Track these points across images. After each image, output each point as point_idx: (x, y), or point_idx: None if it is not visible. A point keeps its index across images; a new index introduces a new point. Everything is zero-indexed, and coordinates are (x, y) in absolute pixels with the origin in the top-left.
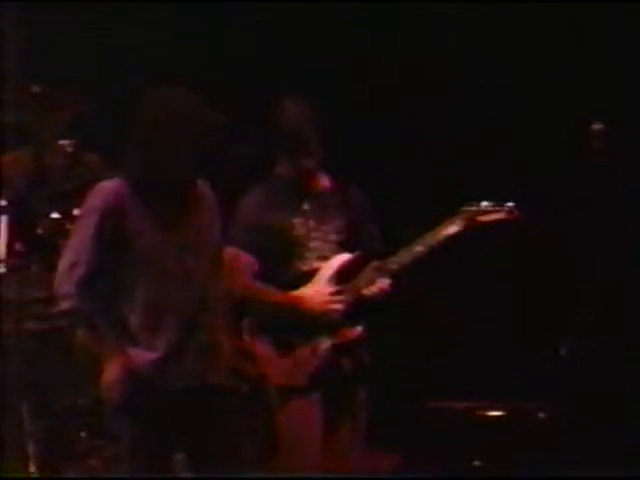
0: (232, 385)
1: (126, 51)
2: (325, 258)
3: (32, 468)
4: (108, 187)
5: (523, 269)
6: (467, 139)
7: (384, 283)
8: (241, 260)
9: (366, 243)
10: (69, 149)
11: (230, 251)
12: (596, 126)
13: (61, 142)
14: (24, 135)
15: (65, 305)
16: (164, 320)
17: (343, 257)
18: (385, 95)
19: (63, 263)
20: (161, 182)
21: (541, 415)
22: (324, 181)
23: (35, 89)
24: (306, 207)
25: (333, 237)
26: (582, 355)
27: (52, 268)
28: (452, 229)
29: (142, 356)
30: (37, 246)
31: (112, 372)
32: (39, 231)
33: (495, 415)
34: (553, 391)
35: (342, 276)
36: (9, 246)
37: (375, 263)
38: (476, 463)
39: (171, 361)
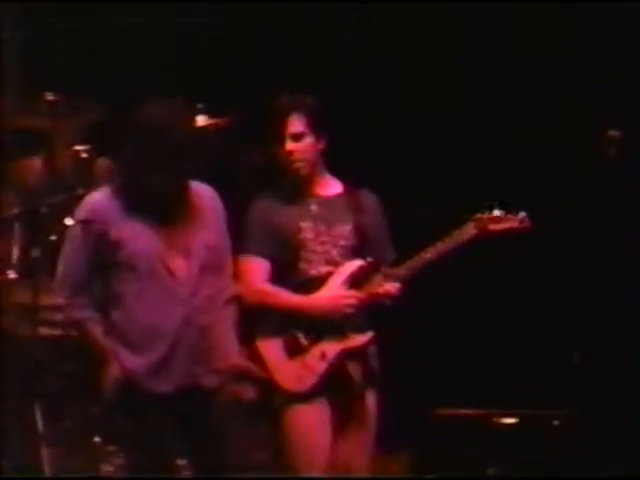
0: (232, 388)
1: (138, 57)
2: (334, 262)
3: (46, 473)
4: (93, 199)
5: (537, 275)
6: (480, 146)
7: (394, 287)
8: (254, 263)
9: (377, 248)
10: (83, 155)
11: (243, 254)
12: (612, 132)
13: (75, 148)
14: (38, 141)
15: (59, 316)
16: (153, 324)
17: (355, 263)
18: (397, 99)
19: (57, 275)
20: (149, 190)
21: (555, 422)
22: (335, 185)
23: (49, 96)
24: (315, 211)
25: (342, 242)
26: (596, 362)
27: None
28: (463, 236)
29: (133, 360)
30: (51, 252)
31: (107, 375)
32: (52, 237)
33: (508, 422)
34: (567, 398)
35: (354, 282)
36: (23, 252)
37: (386, 269)
38: (490, 471)
39: (162, 364)
